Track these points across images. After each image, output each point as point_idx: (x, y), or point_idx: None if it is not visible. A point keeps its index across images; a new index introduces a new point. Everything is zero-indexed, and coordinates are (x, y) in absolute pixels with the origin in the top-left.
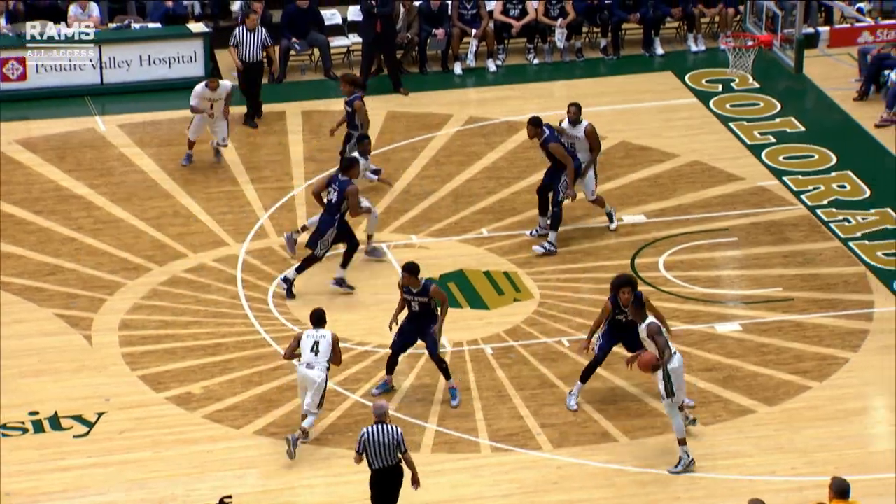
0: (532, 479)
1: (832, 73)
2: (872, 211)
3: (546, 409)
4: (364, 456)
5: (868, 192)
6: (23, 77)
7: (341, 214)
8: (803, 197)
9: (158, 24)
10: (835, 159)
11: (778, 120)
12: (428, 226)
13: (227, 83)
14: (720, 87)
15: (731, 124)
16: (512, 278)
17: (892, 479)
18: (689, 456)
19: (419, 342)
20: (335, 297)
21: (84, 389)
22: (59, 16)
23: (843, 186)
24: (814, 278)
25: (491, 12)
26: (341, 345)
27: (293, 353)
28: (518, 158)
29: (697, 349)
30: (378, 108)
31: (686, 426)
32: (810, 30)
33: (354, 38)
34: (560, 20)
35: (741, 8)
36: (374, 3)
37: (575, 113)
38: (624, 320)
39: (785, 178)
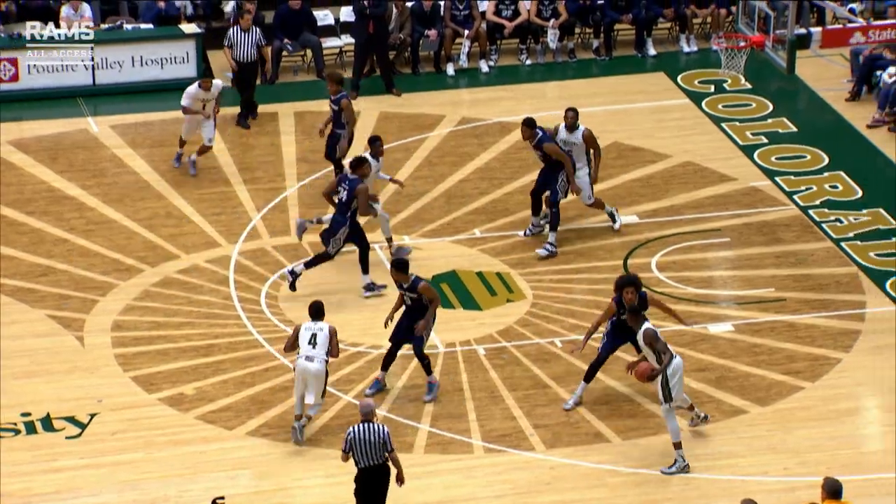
0: (525, 480)
1: (824, 73)
2: (864, 211)
3: (539, 410)
4: (351, 454)
5: (860, 193)
6: (15, 78)
7: (352, 213)
8: (795, 197)
9: (151, 25)
10: (827, 160)
11: (770, 120)
12: (420, 226)
13: (218, 82)
14: (712, 88)
15: (723, 125)
16: (504, 279)
17: (883, 480)
18: (684, 460)
19: None
20: (328, 297)
21: (76, 390)
22: (51, 17)
23: (836, 187)
24: (806, 279)
25: (483, 13)
26: None
27: (293, 345)
28: (511, 159)
29: (690, 349)
30: (370, 108)
31: (699, 423)
32: (802, 30)
33: (347, 39)
34: (552, 21)
35: (733, 9)
36: (366, 3)
37: (572, 118)
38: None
39: (777, 179)
